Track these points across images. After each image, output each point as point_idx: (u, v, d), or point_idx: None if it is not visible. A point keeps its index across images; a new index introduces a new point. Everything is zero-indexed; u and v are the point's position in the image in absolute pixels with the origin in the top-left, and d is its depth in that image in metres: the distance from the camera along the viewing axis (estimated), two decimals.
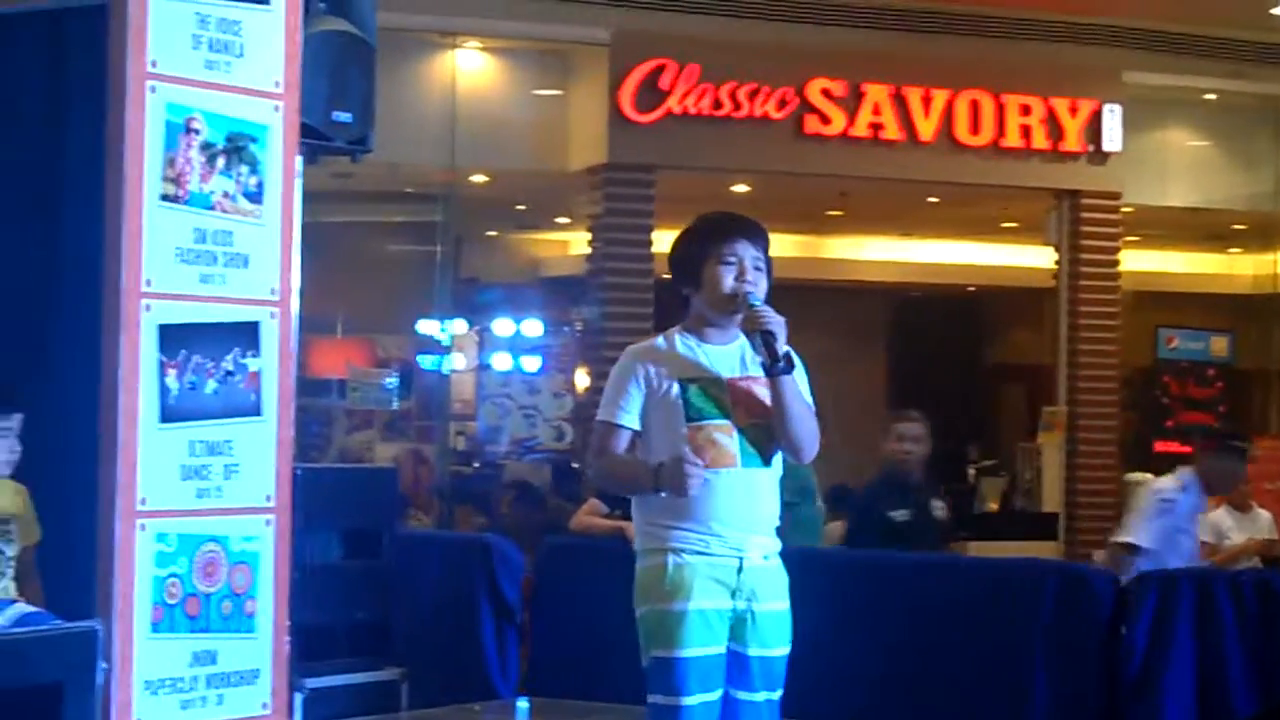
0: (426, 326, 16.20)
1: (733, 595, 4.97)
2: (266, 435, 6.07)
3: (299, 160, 6.26)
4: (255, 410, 6.00)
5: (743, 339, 5.05)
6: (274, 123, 6.08)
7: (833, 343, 20.42)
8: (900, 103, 15.44)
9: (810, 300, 21.31)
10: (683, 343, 5.07)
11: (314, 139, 6.46)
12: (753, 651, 4.98)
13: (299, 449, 6.38)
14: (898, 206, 18.10)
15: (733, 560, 4.96)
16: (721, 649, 4.96)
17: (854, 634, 7.74)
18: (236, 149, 5.93)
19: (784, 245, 18.86)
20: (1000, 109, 15.71)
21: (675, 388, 4.98)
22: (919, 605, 7.81)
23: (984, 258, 20.39)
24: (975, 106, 15.64)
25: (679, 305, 5.14)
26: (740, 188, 16.68)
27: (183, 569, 5.82)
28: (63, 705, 2.18)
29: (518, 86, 15.39)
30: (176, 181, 5.76)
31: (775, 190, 16.59)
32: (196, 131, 5.82)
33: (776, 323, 4.94)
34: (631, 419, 4.98)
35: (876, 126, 15.36)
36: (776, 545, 5.07)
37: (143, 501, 5.69)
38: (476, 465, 16.51)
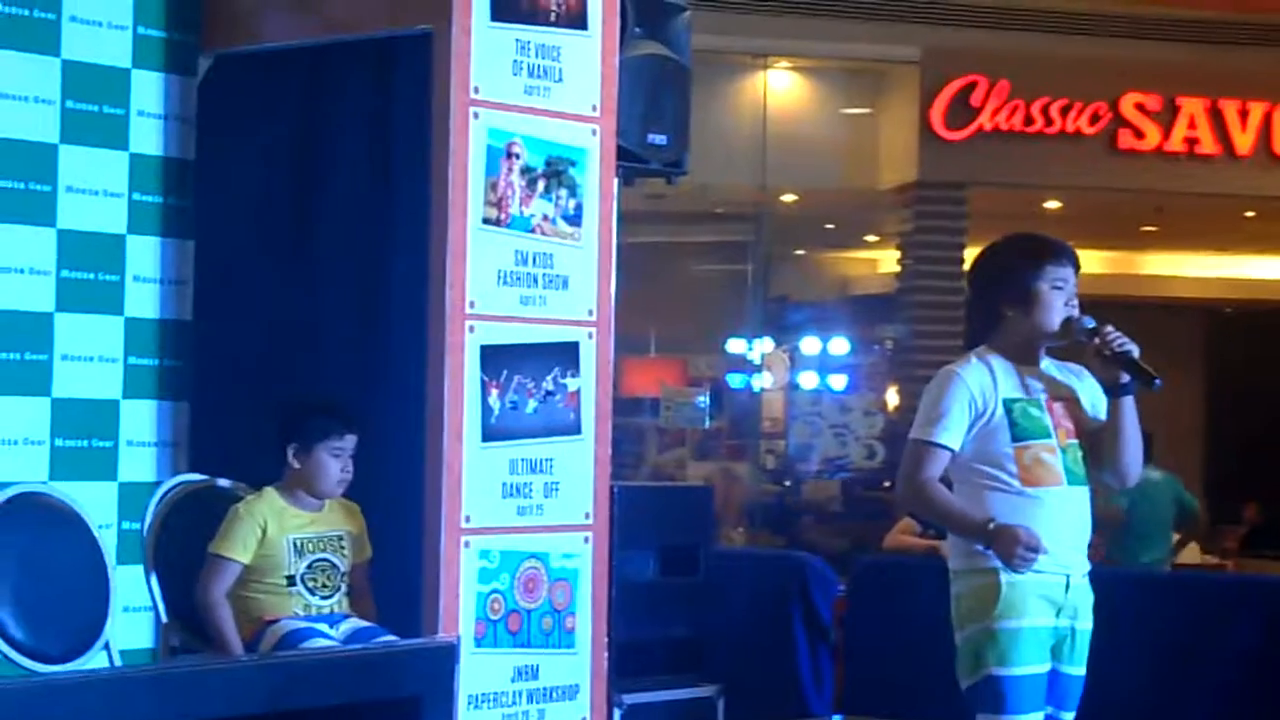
0: (736, 345, 16.36)
1: (1058, 614, 4.92)
2: (585, 453, 6.14)
3: (616, 183, 6.33)
4: (575, 429, 6.08)
5: (1048, 361, 5.03)
6: (592, 146, 6.16)
7: (1148, 362, 20.32)
8: (1216, 116, 15.29)
9: (1124, 318, 21.01)
10: (1000, 362, 5.01)
11: (630, 162, 6.51)
12: (1069, 670, 4.97)
13: (614, 467, 6.42)
14: (1214, 222, 17.84)
15: (1060, 578, 4.92)
16: (1047, 668, 4.93)
17: (1159, 656, 7.60)
18: (556, 173, 6.02)
19: (1097, 262, 18.92)
20: None
21: (1000, 408, 4.94)
22: (1233, 628, 7.62)
23: None
24: None
25: (988, 323, 5.07)
26: (1052, 204, 16.60)
27: (505, 585, 5.92)
28: (420, 718, 2.23)
29: (828, 106, 15.49)
30: (498, 205, 5.87)
31: (1088, 206, 16.48)
32: (517, 156, 5.92)
33: (1131, 342, 4.93)
34: (953, 439, 4.92)
35: (1192, 141, 15.25)
36: (1089, 564, 5.05)
37: (466, 519, 5.80)
38: (787, 484, 16.56)
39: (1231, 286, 20.10)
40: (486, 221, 5.85)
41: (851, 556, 10.29)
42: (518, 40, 5.94)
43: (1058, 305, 4.98)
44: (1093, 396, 5.05)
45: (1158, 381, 4.88)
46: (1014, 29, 14.82)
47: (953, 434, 4.92)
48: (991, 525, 4.81)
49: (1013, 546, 4.76)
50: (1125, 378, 4.91)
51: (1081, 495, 4.98)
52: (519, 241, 5.94)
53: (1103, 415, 5.02)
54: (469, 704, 5.81)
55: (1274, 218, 17.20)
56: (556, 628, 6.08)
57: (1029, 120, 14.77)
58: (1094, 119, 14.91)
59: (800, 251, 18.93)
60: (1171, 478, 10.92)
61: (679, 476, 15.45)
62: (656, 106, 6.59)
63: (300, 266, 6.21)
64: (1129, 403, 4.95)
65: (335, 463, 5.51)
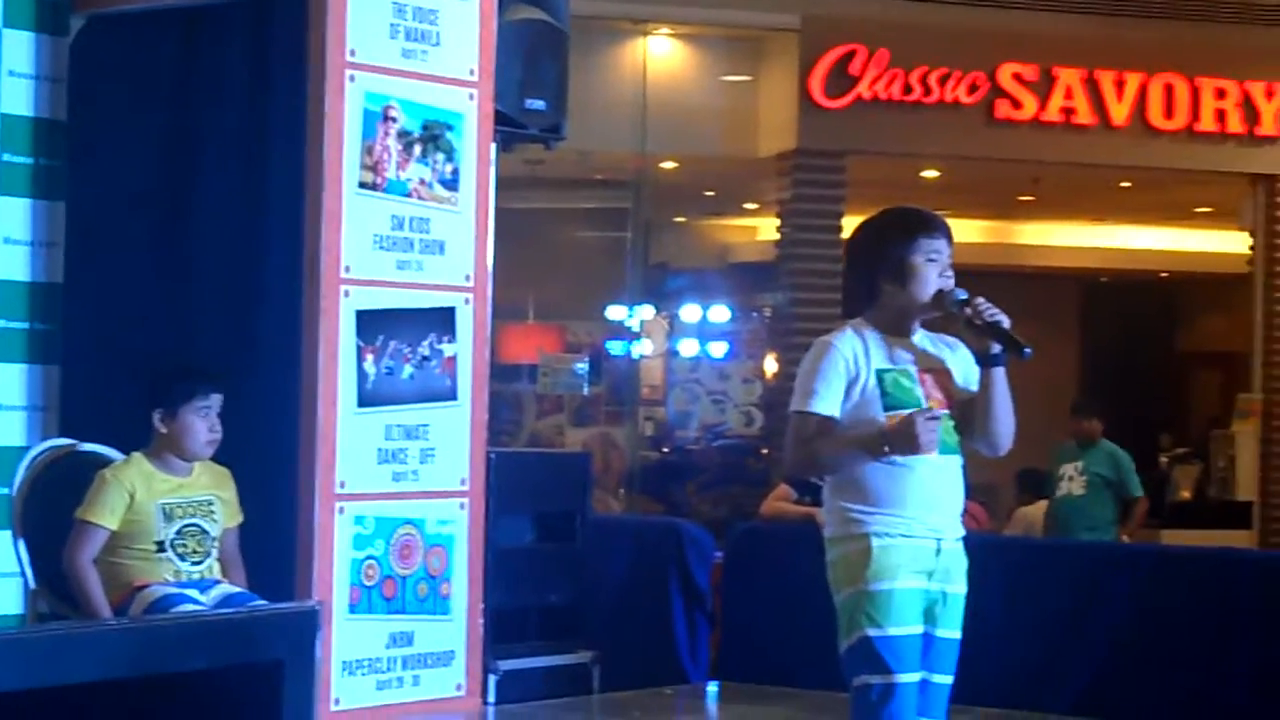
0: (615, 312, 16.23)
1: (930, 577, 4.93)
2: (461, 420, 6.14)
3: (494, 148, 6.31)
4: (451, 395, 6.08)
5: (922, 333, 5.06)
6: (469, 111, 6.14)
7: (1023, 330, 19.94)
8: (1093, 87, 15.11)
9: (1000, 287, 21.02)
10: (873, 334, 5.02)
11: (508, 127, 6.50)
12: (942, 634, 4.98)
13: (491, 434, 6.42)
14: (1090, 192, 17.75)
15: (931, 542, 4.93)
16: (920, 629, 4.93)
17: (1041, 622, 7.66)
18: (433, 137, 6.00)
19: (974, 231, 18.80)
20: (1195, 92, 15.31)
21: (872, 377, 4.95)
22: (1110, 594, 7.69)
23: (1177, 243, 19.96)
24: (1169, 90, 15.27)
25: (864, 296, 5.08)
26: (930, 173, 16.46)
27: (380, 551, 5.91)
28: (282, 683, 2.22)
29: (708, 73, 15.21)
30: (374, 169, 5.85)
31: (965, 176, 16.35)
32: (394, 119, 5.90)
33: (1001, 313, 4.93)
34: (831, 407, 4.92)
35: (1069, 111, 15.03)
36: (962, 530, 5.05)
37: (341, 485, 5.79)
38: (666, 450, 16.48)
39: (1106, 256, 20.08)
40: (363, 185, 5.83)
41: (729, 523, 10.21)
42: (395, 3, 5.92)
43: (931, 277, 4.99)
44: (965, 368, 5.07)
45: (1027, 351, 4.91)
46: None
47: (830, 402, 4.93)
48: (883, 431, 4.86)
49: (911, 430, 4.80)
50: (996, 348, 4.94)
51: (953, 464, 4.98)
52: (395, 206, 5.93)
53: (974, 386, 5.03)
54: (343, 670, 5.82)
55: (1149, 188, 17.23)
56: (432, 594, 6.07)
57: (908, 89, 14.56)
58: (972, 88, 14.73)
59: (680, 219, 18.74)
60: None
61: (557, 443, 15.42)
62: (535, 71, 6.59)
63: (173, 229, 6.16)
64: (1000, 373, 4.98)
65: (202, 423, 5.47)
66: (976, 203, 17.93)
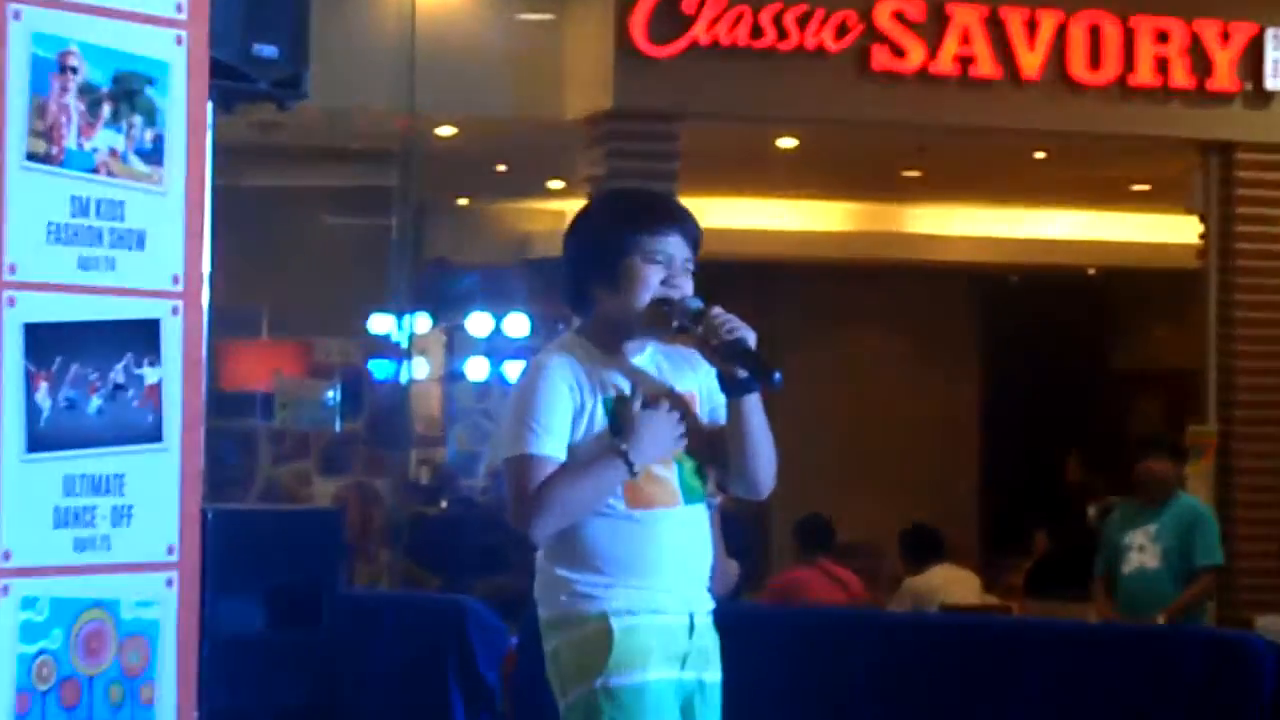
0: (379, 324, 16.36)
1: (683, 663, 5.12)
2: (168, 468, 6.05)
3: (210, 108, 6.25)
4: (154, 435, 6.01)
5: (652, 348, 5.31)
6: (175, 59, 6.05)
7: (909, 344, 20.98)
8: (997, 28, 15.40)
9: (879, 288, 20.63)
10: (591, 353, 5.26)
11: (230, 80, 6.51)
12: None
13: (212, 485, 6.44)
14: (993, 165, 18.07)
15: (683, 618, 5.13)
16: None
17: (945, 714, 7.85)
18: (127, 93, 5.92)
19: (842, 217, 19.51)
20: (1128, 35, 15.71)
21: (599, 406, 5.18)
22: (1034, 679, 7.82)
23: (1108, 231, 20.41)
24: (1095, 33, 15.61)
25: (578, 303, 5.34)
26: (787, 141, 16.65)
27: (57, 644, 5.80)
28: None
29: (497, 11, 15.40)
30: (49, 136, 5.77)
31: (832, 145, 16.73)
32: (74, 70, 5.81)
33: (746, 326, 5.16)
34: (557, 447, 5.13)
35: (965, 60, 15.35)
36: (712, 601, 5.30)
37: (5, 556, 5.68)
38: (445, 505, 16.66)
39: (1017, 248, 20.37)
40: (32, 157, 5.74)
41: (525, 601, 10.25)
42: None
43: (650, 282, 5.20)
44: (713, 392, 5.32)
45: (777, 376, 5.10)
46: None
47: (556, 441, 5.13)
48: (625, 446, 5.09)
49: (663, 429, 5.12)
50: (742, 372, 5.15)
51: (699, 516, 5.25)
52: (77, 185, 5.85)
53: (722, 416, 5.28)
54: None
55: (1070, 160, 17.60)
56: (129, 699, 5.97)
57: (757, 32, 14.81)
58: (840, 31, 14.99)
59: (462, 200, 19.10)
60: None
61: (301, 497, 15.46)
62: (264, 8, 6.61)
63: None
64: (752, 401, 5.19)
65: None
66: (846, 180, 18.35)
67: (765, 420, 5.24)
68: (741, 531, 9.64)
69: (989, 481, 20.61)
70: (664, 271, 5.20)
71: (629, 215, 5.31)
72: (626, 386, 5.22)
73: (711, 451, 5.28)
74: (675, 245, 5.23)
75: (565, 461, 5.09)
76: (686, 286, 5.23)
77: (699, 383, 5.32)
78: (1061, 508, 16.78)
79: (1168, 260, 18.28)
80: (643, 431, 5.09)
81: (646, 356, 5.31)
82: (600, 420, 5.15)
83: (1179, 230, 17.38)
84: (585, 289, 5.30)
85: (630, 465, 5.07)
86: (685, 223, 5.29)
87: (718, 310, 5.17)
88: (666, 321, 5.23)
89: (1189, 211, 16.85)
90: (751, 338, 5.12)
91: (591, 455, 5.11)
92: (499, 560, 15.30)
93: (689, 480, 5.21)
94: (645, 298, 5.20)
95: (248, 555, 6.78)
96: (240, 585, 6.75)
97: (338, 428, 15.23)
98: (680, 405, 5.23)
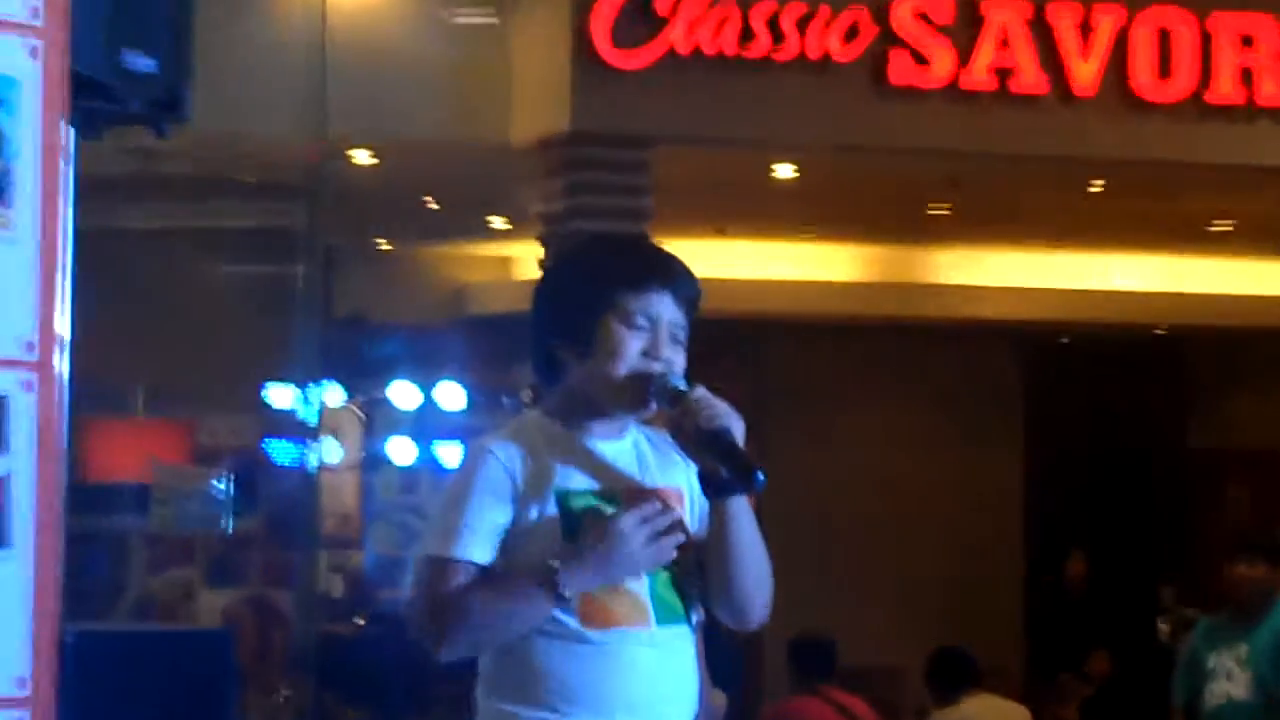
0: (279, 396, 16.42)
1: None
2: (18, 580, 5.84)
3: (70, 133, 6.02)
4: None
5: (635, 431, 5.24)
6: (28, 73, 5.88)
7: (936, 421, 21.30)
8: (1043, 31, 14.77)
9: (898, 352, 21.82)
10: (553, 437, 5.14)
11: (96, 100, 6.34)
12: None
13: (72, 602, 6.12)
14: (1039, 201, 17.71)
15: None
16: None
17: None
18: None
19: (854, 263, 20.03)
20: (1206, 40, 15.03)
21: (550, 503, 5.06)
22: None
23: (1183, 280, 20.37)
24: (1164, 37, 14.95)
25: (545, 372, 5.29)
26: (784, 170, 16.41)
27: None
28: None
29: (428, 12, 14.96)
30: None
31: (840, 175, 16.65)
32: None
33: (732, 415, 5.03)
34: (482, 550, 5.00)
35: (1004, 72, 14.75)
36: None
37: None
38: (362, 622, 16.68)
39: (1069, 302, 20.26)
40: None
41: None
42: None
43: (630, 352, 5.09)
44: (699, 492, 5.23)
45: (760, 476, 5.00)
46: None
47: (482, 544, 5.02)
48: (556, 562, 4.97)
49: (628, 542, 4.95)
50: (725, 471, 5.05)
51: (678, 639, 5.11)
52: None
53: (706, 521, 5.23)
54: None
55: (1134, 194, 17.12)
56: None
57: (747, 37, 14.13)
58: (850, 35, 14.22)
59: (383, 244, 19.52)
60: None
61: (183, 614, 15.63)
62: (136, 12, 6.41)
63: None
64: (739, 505, 5.09)
65: None
66: (858, 219, 18.50)
67: (756, 529, 5.17)
68: (728, 653, 9.77)
69: (1035, 588, 20.85)
70: (645, 338, 5.11)
71: (605, 268, 5.25)
72: (587, 480, 5.13)
73: (697, 565, 5.19)
74: (662, 306, 5.14)
75: (488, 569, 5.03)
76: (675, 358, 5.14)
77: (689, 478, 5.17)
78: (1127, 622, 16.29)
79: (1255, 316, 18.55)
80: (594, 545, 4.97)
81: (627, 442, 5.21)
82: (550, 522, 5.05)
83: (1268, 279, 17.84)
84: (550, 353, 5.25)
85: (557, 588, 4.95)
86: (676, 279, 5.20)
87: (701, 393, 5.06)
88: (643, 400, 5.13)
89: None
90: (738, 430, 5.01)
91: (529, 566, 5.03)
92: (430, 691, 15.17)
93: (664, 594, 5.11)
94: (620, 370, 5.11)
95: (118, 687, 6.73)
96: None
97: (228, 528, 14.78)
98: (663, 506, 5.10)
